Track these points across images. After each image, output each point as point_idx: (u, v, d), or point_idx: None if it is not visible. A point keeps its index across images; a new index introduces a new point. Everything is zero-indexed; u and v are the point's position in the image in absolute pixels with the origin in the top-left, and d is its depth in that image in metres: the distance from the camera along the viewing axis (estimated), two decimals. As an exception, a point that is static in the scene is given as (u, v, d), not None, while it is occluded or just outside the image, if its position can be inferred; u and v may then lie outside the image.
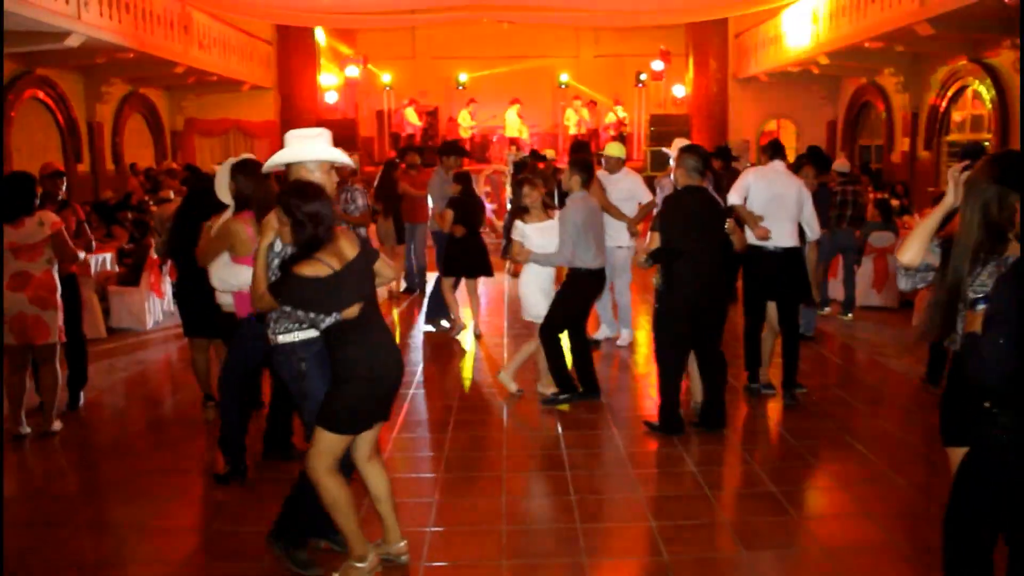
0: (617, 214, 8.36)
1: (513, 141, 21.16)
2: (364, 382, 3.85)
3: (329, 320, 3.79)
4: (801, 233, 7.00)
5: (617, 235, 8.43)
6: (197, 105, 20.09)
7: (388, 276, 4.17)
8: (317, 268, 3.68)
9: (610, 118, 22.55)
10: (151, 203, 12.27)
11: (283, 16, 18.37)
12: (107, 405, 7.27)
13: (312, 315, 3.80)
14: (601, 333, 8.96)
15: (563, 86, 22.88)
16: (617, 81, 23.52)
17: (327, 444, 3.86)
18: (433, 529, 4.66)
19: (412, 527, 4.59)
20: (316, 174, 4.05)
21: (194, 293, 6.21)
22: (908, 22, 12.44)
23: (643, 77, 22.31)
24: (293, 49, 20.87)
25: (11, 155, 12.83)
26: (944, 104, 15.25)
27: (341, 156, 4.17)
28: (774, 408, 6.83)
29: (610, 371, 8.03)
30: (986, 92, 13.75)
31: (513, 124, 22.04)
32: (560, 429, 6.32)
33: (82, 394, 7.00)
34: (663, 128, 20.67)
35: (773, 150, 7.20)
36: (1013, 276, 2.86)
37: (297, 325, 3.97)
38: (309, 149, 4.10)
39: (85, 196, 14.89)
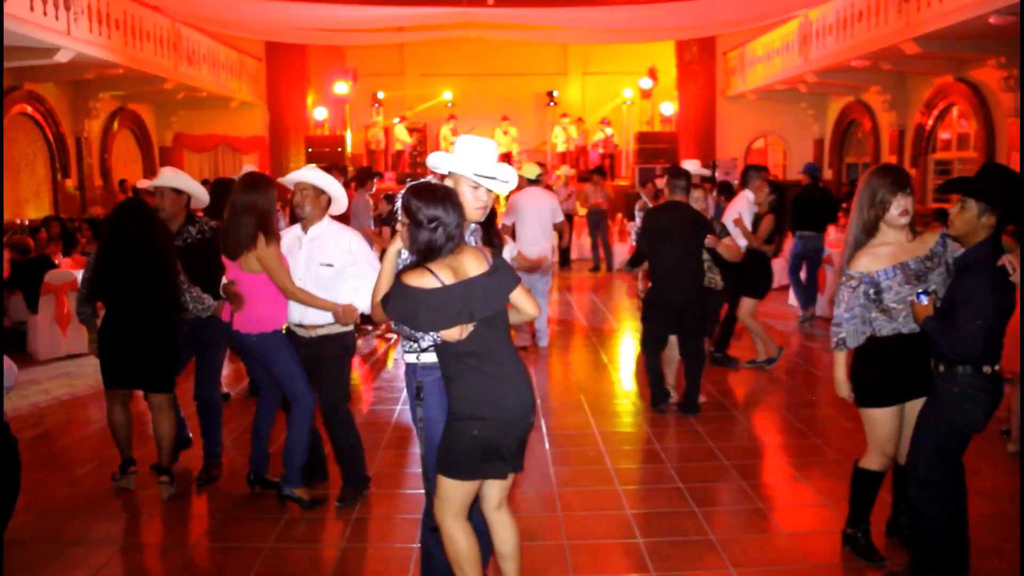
0: None
1: (504, 156, 21.14)
2: (474, 423, 3.40)
3: (427, 340, 3.46)
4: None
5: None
6: (186, 121, 20.12)
7: (528, 313, 3.57)
8: (424, 279, 3.29)
9: (598, 136, 22.57)
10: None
11: (272, 33, 18.41)
12: (93, 420, 7.23)
13: (409, 330, 3.45)
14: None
15: (551, 103, 22.91)
16: (605, 98, 23.59)
17: (445, 490, 3.51)
18: (415, 545, 4.62)
19: (396, 543, 4.60)
20: (463, 187, 3.60)
21: (132, 333, 5.27)
22: (894, 41, 12.56)
23: (630, 95, 22.39)
24: (282, 65, 20.93)
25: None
26: (931, 122, 15.37)
27: (507, 175, 3.58)
28: (760, 426, 6.91)
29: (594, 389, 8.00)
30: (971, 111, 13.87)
31: (503, 141, 21.93)
32: (547, 445, 6.31)
33: None
34: (651, 145, 20.75)
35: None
36: (976, 271, 3.63)
37: (417, 344, 3.62)
38: (482, 164, 3.57)
39: (73, 212, 14.87)
